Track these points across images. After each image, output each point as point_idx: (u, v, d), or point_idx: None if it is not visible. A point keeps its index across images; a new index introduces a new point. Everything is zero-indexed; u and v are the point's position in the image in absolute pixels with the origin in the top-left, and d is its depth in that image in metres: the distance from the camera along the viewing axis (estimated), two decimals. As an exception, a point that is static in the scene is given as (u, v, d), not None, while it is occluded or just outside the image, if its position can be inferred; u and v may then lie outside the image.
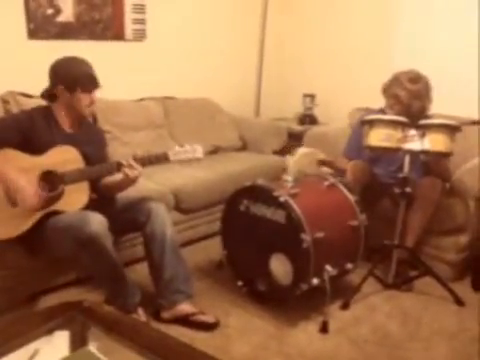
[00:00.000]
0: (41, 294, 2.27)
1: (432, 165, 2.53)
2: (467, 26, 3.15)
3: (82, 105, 2.11)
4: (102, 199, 2.22)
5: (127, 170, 2.04)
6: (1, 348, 1.29)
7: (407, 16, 3.46)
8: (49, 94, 2.14)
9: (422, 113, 2.55)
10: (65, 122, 2.16)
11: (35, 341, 1.36)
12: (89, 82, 2.09)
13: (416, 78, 2.53)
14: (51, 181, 2.02)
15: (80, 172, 2.06)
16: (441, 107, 2.67)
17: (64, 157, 2.06)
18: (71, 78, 2.06)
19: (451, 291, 2.40)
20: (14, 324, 1.55)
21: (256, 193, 2.26)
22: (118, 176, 2.12)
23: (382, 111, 2.66)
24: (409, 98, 2.50)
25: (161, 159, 2.10)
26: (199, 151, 2.14)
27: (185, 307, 2.13)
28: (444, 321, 2.25)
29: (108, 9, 3.17)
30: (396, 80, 2.56)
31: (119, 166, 2.06)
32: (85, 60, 2.12)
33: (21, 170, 1.99)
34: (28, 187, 1.97)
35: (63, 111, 2.14)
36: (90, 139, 2.22)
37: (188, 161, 2.13)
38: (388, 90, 2.59)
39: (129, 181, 2.09)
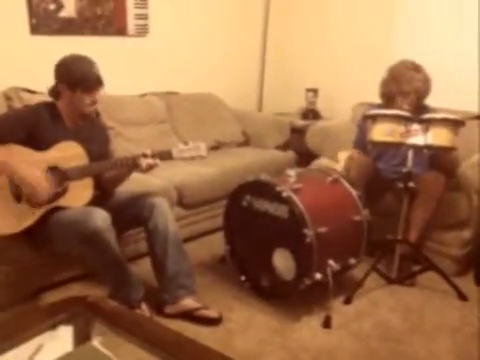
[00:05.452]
0: (45, 289, 2.28)
1: (440, 159, 2.51)
2: (467, 20, 3.13)
3: (83, 104, 2.10)
4: (105, 195, 2.23)
5: (150, 160, 2.06)
6: (5, 343, 1.30)
7: (408, 10, 3.44)
8: (54, 91, 2.14)
9: (426, 96, 2.59)
10: (69, 118, 2.16)
11: (39, 336, 1.37)
12: (90, 83, 2.07)
13: (417, 65, 2.55)
14: (55, 177, 2.03)
15: (84, 168, 2.08)
16: (441, 101, 2.66)
17: (69, 153, 2.08)
18: (72, 78, 2.06)
19: (454, 286, 2.40)
20: (18, 319, 1.57)
21: (259, 188, 2.26)
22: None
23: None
24: (424, 84, 2.53)
25: (165, 156, 2.11)
26: (203, 149, 2.15)
27: (188, 302, 2.14)
28: (447, 316, 2.25)
29: (110, 4, 3.16)
30: (403, 76, 2.51)
31: (145, 155, 2.07)
32: (89, 59, 2.11)
33: (26, 165, 1.99)
34: (38, 181, 1.96)
35: (66, 108, 2.14)
36: (93, 136, 2.23)
37: (191, 159, 2.14)
38: (402, 88, 2.51)
39: (143, 171, 2.11)
